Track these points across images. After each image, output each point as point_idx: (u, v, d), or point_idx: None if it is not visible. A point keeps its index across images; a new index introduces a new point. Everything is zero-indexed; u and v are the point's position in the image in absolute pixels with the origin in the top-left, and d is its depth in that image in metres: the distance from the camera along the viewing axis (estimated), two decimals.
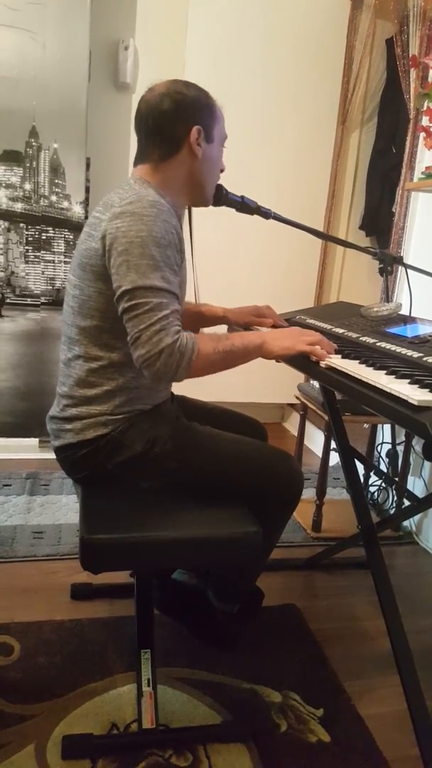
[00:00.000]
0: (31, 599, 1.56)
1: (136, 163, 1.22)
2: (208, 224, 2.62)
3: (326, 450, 1.99)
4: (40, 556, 1.75)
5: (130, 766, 1.10)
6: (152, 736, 1.15)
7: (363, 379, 0.97)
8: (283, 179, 2.77)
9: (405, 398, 0.85)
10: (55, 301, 2.37)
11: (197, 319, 1.46)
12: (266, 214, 1.36)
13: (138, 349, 1.02)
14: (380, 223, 2.90)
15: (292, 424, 3.12)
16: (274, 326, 1.42)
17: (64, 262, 2.35)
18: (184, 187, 1.21)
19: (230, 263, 2.78)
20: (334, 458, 2.21)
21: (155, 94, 1.15)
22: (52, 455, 1.30)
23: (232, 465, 1.23)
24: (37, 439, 2.47)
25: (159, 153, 1.17)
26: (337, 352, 1.14)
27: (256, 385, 2.86)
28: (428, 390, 0.88)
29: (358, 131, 2.94)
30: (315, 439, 2.76)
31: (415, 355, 1.06)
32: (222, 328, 1.39)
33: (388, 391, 0.89)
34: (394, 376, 0.96)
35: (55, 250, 2.34)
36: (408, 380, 0.93)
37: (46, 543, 1.82)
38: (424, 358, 1.03)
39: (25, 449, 2.46)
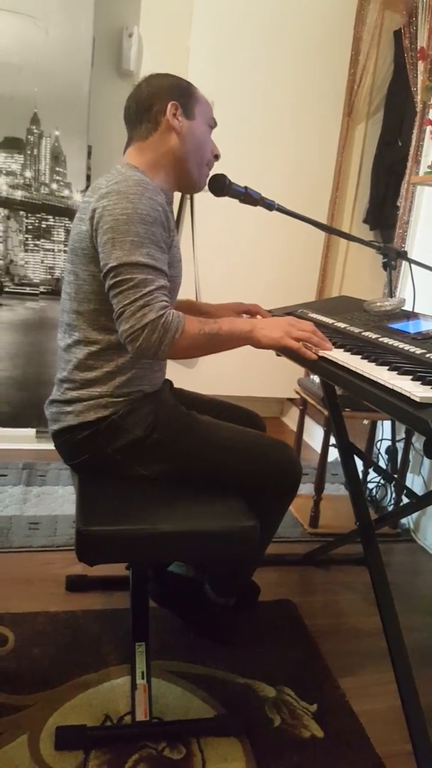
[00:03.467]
0: (25, 590, 1.55)
1: (124, 151, 1.24)
2: (211, 215, 2.60)
3: (325, 445, 1.98)
4: (36, 547, 1.75)
5: (122, 758, 1.10)
6: (146, 729, 1.15)
7: (364, 374, 0.96)
8: (287, 171, 2.75)
9: (407, 395, 0.84)
10: (54, 291, 2.35)
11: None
12: (270, 205, 1.34)
13: (122, 324, 1.02)
14: (385, 216, 2.88)
15: (291, 419, 3.11)
16: None
17: (64, 251, 2.33)
18: (169, 168, 1.21)
19: (233, 255, 2.76)
20: (333, 454, 2.20)
21: (136, 87, 1.22)
22: (49, 446, 1.29)
23: (230, 452, 1.23)
24: (34, 429, 2.46)
25: (141, 133, 1.20)
26: (338, 346, 1.13)
27: (256, 379, 2.85)
28: (430, 387, 0.87)
29: (364, 123, 2.91)
30: (314, 435, 2.75)
31: (418, 351, 1.05)
32: None
33: (390, 387, 0.88)
34: (396, 372, 0.95)
35: (54, 238, 2.32)
36: (410, 377, 0.92)
37: (41, 534, 1.82)
38: (427, 355, 1.02)
39: (22, 439, 2.45)
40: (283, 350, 1.13)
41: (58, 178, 2.28)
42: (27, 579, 1.60)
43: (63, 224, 2.31)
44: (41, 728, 1.14)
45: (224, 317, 1.39)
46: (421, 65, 2.19)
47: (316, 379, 2.04)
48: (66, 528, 1.85)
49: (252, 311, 1.46)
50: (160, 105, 1.18)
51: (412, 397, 0.83)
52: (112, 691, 1.25)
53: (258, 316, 1.45)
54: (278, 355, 1.19)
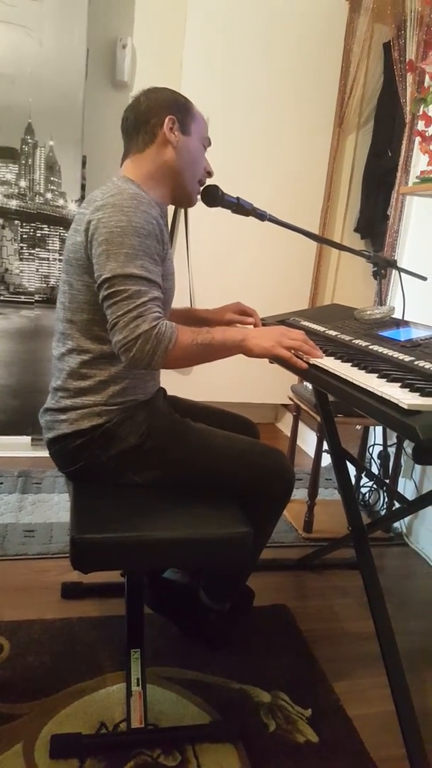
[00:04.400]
0: (21, 598, 1.56)
1: (121, 162, 1.26)
2: (204, 226, 2.63)
3: (319, 451, 2.00)
4: (31, 555, 1.75)
5: (118, 766, 1.10)
6: (141, 736, 1.16)
7: (354, 381, 0.98)
8: (279, 181, 2.78)
9: (395, 402, 0.86)
10: (49, 299, 2.37)
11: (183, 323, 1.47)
12: (262, 215, 1.36)
13: (116, 334, 1.04)
14: (375, 226, 2.91)
15: (285, 425, 3.13)
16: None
17: (59, 260, 2.34)
18: (164, 182, 1.23)
19: (226, 265, 2.79)
20: (327, 459, 2.21)
21: (135, 99, 1.24)
22: (44, 453, 1.30)
23: (224, 460, 1.24)
24: (29, 437, 2.46)
25: (138, 145, 1.22)
26: (329, 354, 1.15)
27: (250, 386, 2.87)
28: (419, 394, 0.88)
29: (355, 134, 2.95)
30: (308, 440, 2.77)
31: (407, 358, 1.07)
32: None
33: (379, 394, 0.90)
34: (385, 380, 0.96)
35: (49, 247, 2.34)
36: (399, 384, 0.93)
37: (37, 542, 1.82)
38: (416, 362, 1.04)
39: (18, 447, 2.45)
40: (275, 359, 1.15)
41: (52, 187, 2.29)
42: (22, 587, 1.60)
43: (58, 233, 2.33)
44: (36, 737, 1.14)
45: (220, 323, 1.42)
46: (409, 77, 2.23)
47: (309, 385, 2.06)
48: (61, 535, 1.86)
49: (248, 313, 1.47)
50: (158, 118, 1.19)
51: (400, 404, 0.85)
52: (107, 698, 1.25)
53: (250, 326, 1.47)
54: (271, 363, 1.21)
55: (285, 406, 3.07)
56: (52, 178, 2.29)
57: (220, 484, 1.24)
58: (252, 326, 1.45)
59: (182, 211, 1.35)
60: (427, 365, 1.01)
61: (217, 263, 2.75)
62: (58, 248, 2.34)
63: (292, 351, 1.13)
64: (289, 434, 2.31)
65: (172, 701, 1.26)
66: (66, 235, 2.32)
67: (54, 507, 2.04)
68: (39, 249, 2.33)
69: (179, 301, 1.38)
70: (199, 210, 1.39)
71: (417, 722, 1.18)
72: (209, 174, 1.30)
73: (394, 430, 0.88)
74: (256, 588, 1.56)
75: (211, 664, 1.38)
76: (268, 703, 1.29)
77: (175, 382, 1.53)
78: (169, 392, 1.45)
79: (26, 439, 2.47)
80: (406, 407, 0.84)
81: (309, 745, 1.20)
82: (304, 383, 2.15)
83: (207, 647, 1.42)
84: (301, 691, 1.33)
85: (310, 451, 2.45)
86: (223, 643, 1.43)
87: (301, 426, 2.40)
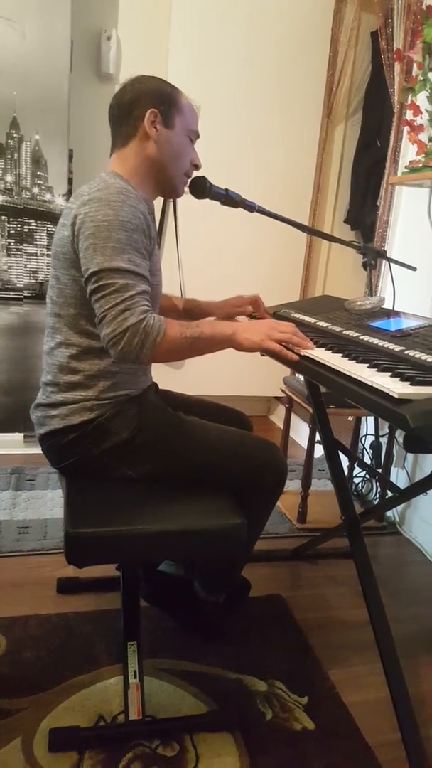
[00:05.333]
0: (16, 594, 1.56)
1: (110, 153, 1.25)
2: (193, 218, 2.62)
3: (311, 442, 2.01)
4: (26, 551, 1.75)
5: (117, 758, 1.11)
6: (139, 727, 1.16)
7: (345, 372, 0.98)
8: (268, 173, 2.77)
9: (386, 391, 0.86)
10: (38, 295, 2.35)
11: (184, 318, 1.46)
12: (250, 207, 1.36)
13: (104, 328, 1.04)
14: (365, 217, 2.92)
15: (278, 417, 3.14)
16: (254, 317, 1.44)
17: (47, 255, 2.33)
18: (149, 176, 1.22)
19: (216, 257, 2.78)
20: (320, 450, 2.23)
21: (121, 87, 1.22)
22: (37, 450, 1.30)
23: (217, 453, 1.24)
24: (21, 434, 2.46)
25: (122, 138, 1.21)
26: (320, 345, 1.15)
27: (243, 379, 2.87)
28: (409, 383, 0.89)
29: (343, 125, 2.94)
30: (300, 432, 2.78)
31: (397, 348, 1.07)
32: None
33: (370, 384, 0.90)
34: (375, 369, 0.97)
35: (37, 243, 2.32)
36: (389, 373, 0.94)
37: (31, 538, 1.82)
38: (406, 352, 1.05)
39: (10, 444, 2.45)
40: (266, 352, 1.16)
41: (39, 182, 2.27)
42: (18, 583, 1.60)
43: (45, 228, 2.31)
44: (35, 731, 1.15)
45: (209, 318, 1.41)
46: (397, 66, 2.22)
47: (301, 377, 2.07)
48: (56, 531, 1.86)
49: (252, 304, 1.46)
50: (140, 111, 1.18)
51: (391, 394, 0.85)
52: (104, 691, 1.26)
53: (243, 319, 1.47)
54: (263, 355, 1.21)
55: (277, 398, 3.08)
56: (38, 173, 2.26)
57: (214, 476, 1.24)
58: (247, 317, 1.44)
59: (171, 204, 1.34)
60: (417, 354, 1.02)
61: (207, 256, 2.74)
62: (46, 243, 2.32)
63: (283, 343, 1.14)
64: (281, 426, 2.32)
65: (170, 692, 1.27)
66: (53, 229, 2.32)
67: (48, 503, 2.04)
68: (27, 244, 2.31)
69: (169, 293, 1.37)
70: (188, 203, 1.39)
71: (412, 707, 1.19)
72: (196, 167, 1.29)
73: (386, 419, 0.88)
74: (251, 578, 1.57)
75: (207, 655, 1.39)
76: (265, 692, 1.31)
77: (167, 376, 1.53)
78: (162, 386, 1.45)
79: (19, 436, 2.46)
80: (396, 396, 0.84)
81: (305, 732, 1.21)
82: (296, 375, 2.16)
83: (202, 638, 1.43)
84: (296, 679, 1.34)
85: (303, 443, 2.46)
86: (218, 634, 1.45)
87: (294, 418, 2.41)
